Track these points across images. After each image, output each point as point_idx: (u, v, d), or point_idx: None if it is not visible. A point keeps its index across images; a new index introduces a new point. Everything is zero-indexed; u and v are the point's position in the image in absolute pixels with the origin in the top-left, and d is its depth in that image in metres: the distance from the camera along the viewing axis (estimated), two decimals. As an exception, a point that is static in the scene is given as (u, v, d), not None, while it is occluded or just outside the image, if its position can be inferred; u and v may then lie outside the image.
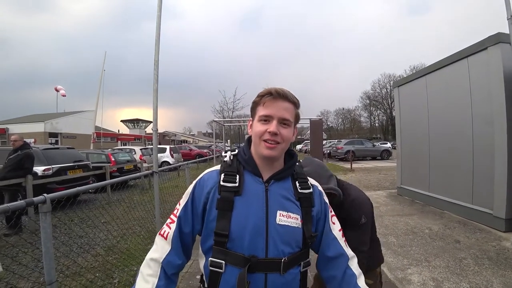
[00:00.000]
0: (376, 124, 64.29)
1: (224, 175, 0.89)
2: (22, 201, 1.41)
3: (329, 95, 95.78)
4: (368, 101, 62.67)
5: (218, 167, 0.96)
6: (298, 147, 36.35)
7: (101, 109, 21.94)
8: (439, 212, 5.22)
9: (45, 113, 31.32)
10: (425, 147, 5.97)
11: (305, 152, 24.43)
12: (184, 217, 0.90)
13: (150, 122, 44.82)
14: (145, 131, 44.01)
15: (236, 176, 0.89)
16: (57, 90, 28.43)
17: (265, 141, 0.86)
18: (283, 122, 0.87)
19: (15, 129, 24.65)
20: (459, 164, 4.96)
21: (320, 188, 1.00)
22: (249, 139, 0.97)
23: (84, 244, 3.82)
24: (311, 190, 0.94)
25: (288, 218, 0.86)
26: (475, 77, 4.60)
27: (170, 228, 0.90)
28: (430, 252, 3.48)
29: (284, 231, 0.85)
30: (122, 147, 18.36)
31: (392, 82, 50.96)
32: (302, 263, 0.88)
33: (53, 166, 6.12)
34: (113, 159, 9.49)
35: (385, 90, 58.86)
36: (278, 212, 0.86)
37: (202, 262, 0.89)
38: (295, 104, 0.91)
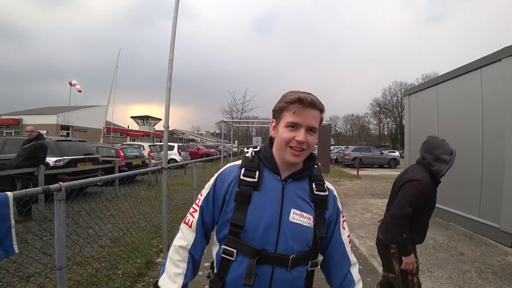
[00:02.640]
0: (385, 132, 63.62)
1: (244, 169, 0.93)
2: (39, 187, 1.48)
3: (338, 100, 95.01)
4: (378, 109, 62.14)
5: (239, 162, 1.00)
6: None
7: (113, 104, 22.38)
8: (445, 224, 5.16)
9: (58, 106, 31.99)
10: (434, 157, 5.90)
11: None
12: (206, 207, 0.96)
13: (159, 119, 45.76)
14: (154, 128, 44.51)
15: (256, 172, 0.92)
16: (71, 84, 29.02)
17: (291, 147, 0.88)
18: (310, 129, 0.89)
19: (29, 120, 25.26)
20: (467, 176, 4.90)
21: (335, 192, 1.03)
22: (271, 139, 1.00)
23: (91, 234, 3.92)
24: (326, 193, 0.96)
25: (301, 217, 0.89)
26: (488, 89, 4.55)
27: (193, 216, 0.96)
28: (433, 263, 3.46)
29: (296, 229, 0.88)
30: (131, 142, 18.62)
31: (403, 90, 50.35)
32: (310, 262, 0.91)
33: (64, 157, 6.27)
34: (122, 154, 9.66)
35: (395, 98, 58.29)
36: (292, 210, 0.89)
37: (215, 250, 0.94)
38: (322, 110, 0.92)
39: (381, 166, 19.36)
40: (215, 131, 76.11)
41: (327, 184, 1.01)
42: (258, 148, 1.02)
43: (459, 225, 4.99)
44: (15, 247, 1.26)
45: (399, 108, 56.16)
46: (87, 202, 5.07)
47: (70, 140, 7.49)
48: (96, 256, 3.20)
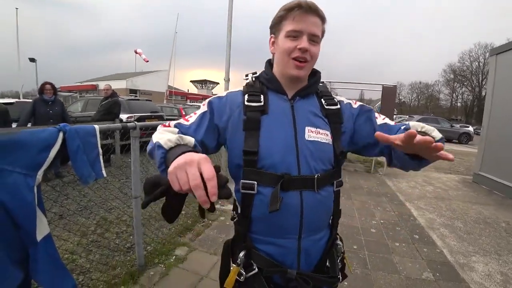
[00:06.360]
0: (458, 104, 55.46)
1: (248, 95, 0.86)
2: (118, 124, 1.70)
3: (404, 66, 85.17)
4: (452, 76, 53.77)
5: (240, 88, 0.92)
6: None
7: (173, 69, 23.72)
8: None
9: (126, 72, 35.45)
10: (522, 130, 5.04)
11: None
12: (199, 123, 0.84)
13: (217, 83, 47.14)
14: (212, 92, 46.27)
15: (261, 95, 0.86)
16: (136, 52, 31.29)
17: (294, 59, 0.81)
18: (312, 38, 0.81)
19: (102, 85, 28.58)
20: None
21: (346, 100, 0.95)
22: (269, 61, 0.94)
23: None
24: (338, 106, 0.90)
25: (318, 134, 0.83)
26: None
27: (172, 125, 0.84)
28: (504, 246, 3.10)
29: (315, 147, 0.82)
30: (192, 103, 19.79)
31: (488, 53, 42.34)
32: (335, 182, 0.86)
33: (134, 114, 7.03)
34: (183, 113, 10.47)
35: (476, 63, 48.68)
36: (307, 128, 0.83)
37: (233, 188, 0.82)
38: (324, 19, 0.84)
39: (449, 141, 17.32)
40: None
41: (337, 98, 0.94)
42: (258, 73, 0.94)
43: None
44: (103, 171, 1.49)
45: (480, 75, 47.52)
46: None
47: (138, 100, 8.32)
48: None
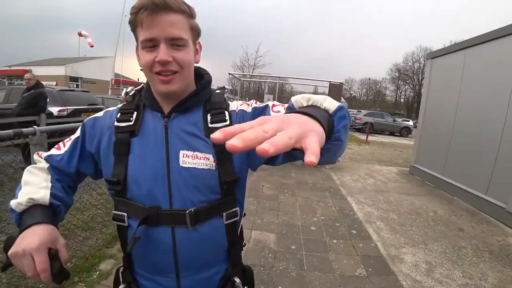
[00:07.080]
0: (402, 100, 61.08)
1: (120, 114, 0.74)
2: (10, 130, 1.39)
3: (356, 63, 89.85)
4: (397, 74, 58.95)
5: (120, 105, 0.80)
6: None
7: (121, 56, 21.85)
8: (449, 198, 5.03)
9: (66, 57, 31.56)
10: (449, 127, 5.57)
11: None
12: (71, 152, 0.76)
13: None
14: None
15: (133, 113, 0.74)
16: (80, 35, 27.99)
17: (158, 74, 0.67)
18: (174, 43, 0.65)
19: (38, 71, 25.11)
20: (481, 152, 4.62)
21: (240, 107, 0.78)
22: None
23: (90, 182, 3.99)
24: (226, 122, 0.73)
25: (195, 159, 0.70)
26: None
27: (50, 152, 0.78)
28: (430, 235, 3.39)
29: (190, 175, 0.70)
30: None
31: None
32: (224, 214, 0.73)
33: (68, 107, 6.23)
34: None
35: (418, 64, 54.53)
36: (182, 152, 0.70)
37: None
38: (186, 12, 0.66)
39: (392, 134, 18.95)
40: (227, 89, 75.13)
41: (232, 106, 0.77)
42: (143, 85, 0.80)
43: (463, 200, 4.84)
44: None
45: (420, 75, 52.89)
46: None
47: (73, 90, 7.45)
48: (94, 203, 3.26)
